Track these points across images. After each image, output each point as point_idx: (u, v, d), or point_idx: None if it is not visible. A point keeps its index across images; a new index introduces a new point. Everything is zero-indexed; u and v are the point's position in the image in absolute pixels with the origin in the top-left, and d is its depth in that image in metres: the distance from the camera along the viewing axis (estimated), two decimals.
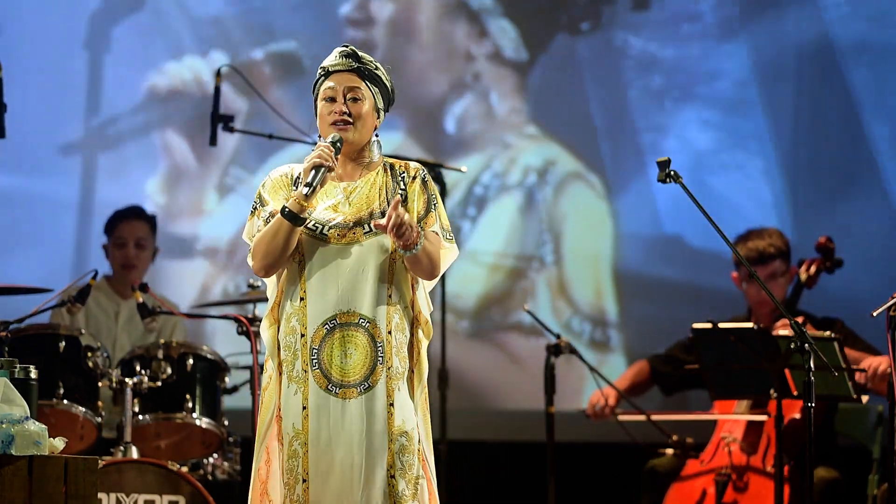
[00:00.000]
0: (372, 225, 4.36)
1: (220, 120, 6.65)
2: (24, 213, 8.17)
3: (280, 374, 4.39)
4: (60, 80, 8.26)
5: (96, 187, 8.24)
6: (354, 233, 4.38)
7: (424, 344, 4.46)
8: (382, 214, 4.38)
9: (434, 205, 4.46)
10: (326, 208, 4.40)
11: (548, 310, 8.31)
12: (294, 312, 4.38)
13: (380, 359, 4.35)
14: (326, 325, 4.35)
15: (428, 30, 8.51)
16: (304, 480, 4.32)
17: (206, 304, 7.03)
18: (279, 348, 4.40)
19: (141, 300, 6.08)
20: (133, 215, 7.19)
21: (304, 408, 4.34)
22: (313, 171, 4.32)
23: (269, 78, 8.29)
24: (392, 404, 4.36)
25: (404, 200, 4.42)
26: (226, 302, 6.67)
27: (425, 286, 4.49)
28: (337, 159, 4.37)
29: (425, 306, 4.47)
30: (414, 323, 4.44)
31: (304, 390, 4.34)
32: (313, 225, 4.37)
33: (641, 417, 6.55)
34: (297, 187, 4.42)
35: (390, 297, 4.38)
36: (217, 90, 6.68)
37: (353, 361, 4.35)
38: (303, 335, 4.36)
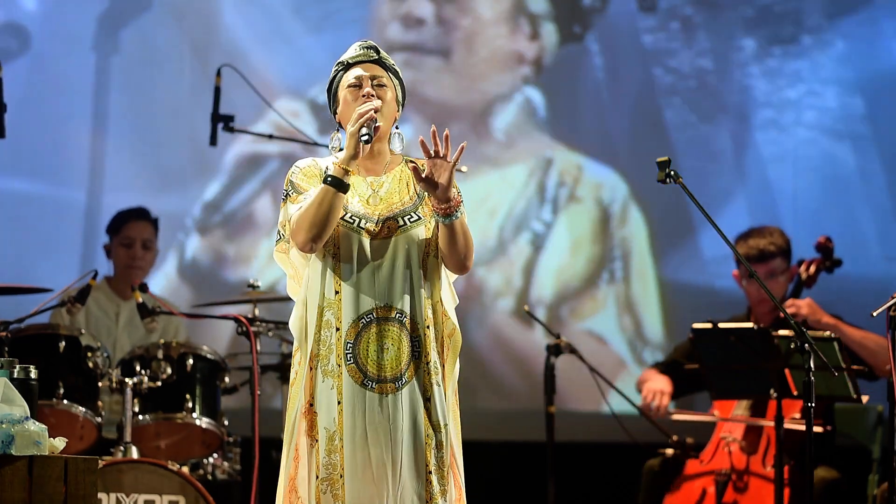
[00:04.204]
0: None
1: (220, 120, 6.65)
2: (30, 214, 8.16)
3: (311, 368, 4.34)
4: (66, 81, 8.26)
5: (103, 190, 8.24)
6: (389, 227, 4.36)
7: (455, 341, 4.41)
8: (414, 208, 4.38)
9: (461, 203, 4.42)
10: (359, 202, 4.38)
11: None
12: (329, 306, 4.33)
13: (416, 353, 4.33)
14: (363, 320, 4.32)
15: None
16: (340, 476, 4.27)
17: (206, 303, 7.02)
18: (310, 341, 4.35)
19: (141, 300, 6.08)
20: (139, 216, 7.18)
21: (339, 402, 4.29)
22: (364, 127, 4.28)
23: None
24: (429, 399, 4.32)
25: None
26: (226, 302, 6.66)
27: (450, 277, 4.45)
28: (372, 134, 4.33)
29: (451, 303, 4.44)
30: (441, 318, 4.41)
31: (339, 385, 4.30)
32: (350, 217, 4.35)
33: (696, 417, 6.49)
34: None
35: (424, 291, 4.36)
36: (217, 90, 6.68)
37: (389, 356, 4.31)
38: (338, 329, 4.32)
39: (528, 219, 8.46)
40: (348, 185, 4.29)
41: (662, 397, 6.55)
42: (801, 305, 6.45)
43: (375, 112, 4.34)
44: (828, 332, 5.95)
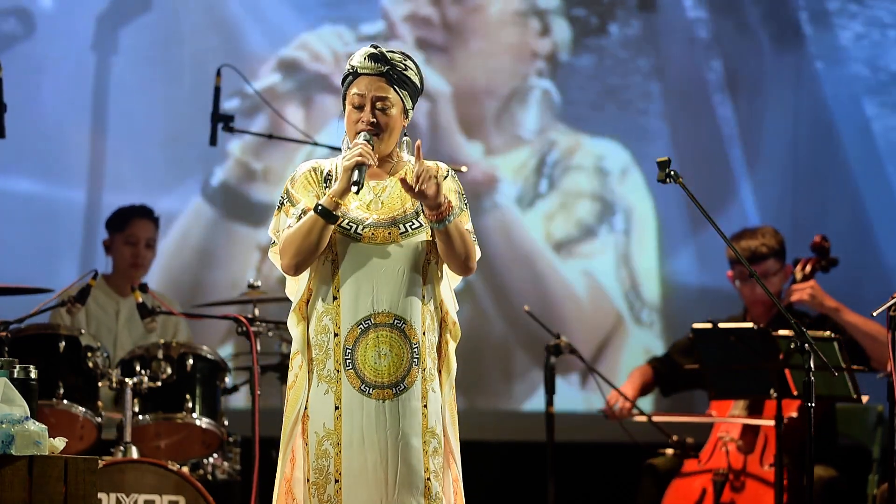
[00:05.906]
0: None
1: (220, 120, 6.65)
2: (30, 214, 8.16)
3: (309, 372, 4.35)
4: (66, 81, 8.26)
5: (103, 190, 8.23)
6: (389, 233, 4.35)
7: (452, 345, 4.42)
8: (416, 214, 4.37)
9: (466, 203, 4.43)
10: (359, 207, 4.37)
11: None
12: (326, 311, 4.34)
13: (415, 360, 4.32)
14: (361, 325, 4.31)
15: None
16: (336, 481, 4.28)
17: (206, 304, 7.03)
18: (309, 346, 4.36)
19: (140, 300, 6.08)
20: (144, 214, 7.19)
21: (337, 408, 4.30)
22: (357, 170, 4.26)
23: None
24: (426, 406, 4.33)
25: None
26: (226, 302, 6.66)
27: (452, 283, 4.45)
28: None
29: (452, 306, 4.44)
30: (442, 324, 4.41)
31: (337, 390, 4.30)
32: (347, 223, 4.34)
33: (645, 419, 6.55)
34: (326, 184, 4.38)
35: (424, 297, 4.34)
36: (217, 90, 6.68)
37: (387, 362, 4.30)
38: (336, 334, 4.32)
39: (526, 189, 8.50)
40: (337, 216, 4.29)
41: (625, 401, 6.57)
42: (805, 288, 6.45)
43: (373, 135, 4.33)
44: (828, 332, 5.95)
